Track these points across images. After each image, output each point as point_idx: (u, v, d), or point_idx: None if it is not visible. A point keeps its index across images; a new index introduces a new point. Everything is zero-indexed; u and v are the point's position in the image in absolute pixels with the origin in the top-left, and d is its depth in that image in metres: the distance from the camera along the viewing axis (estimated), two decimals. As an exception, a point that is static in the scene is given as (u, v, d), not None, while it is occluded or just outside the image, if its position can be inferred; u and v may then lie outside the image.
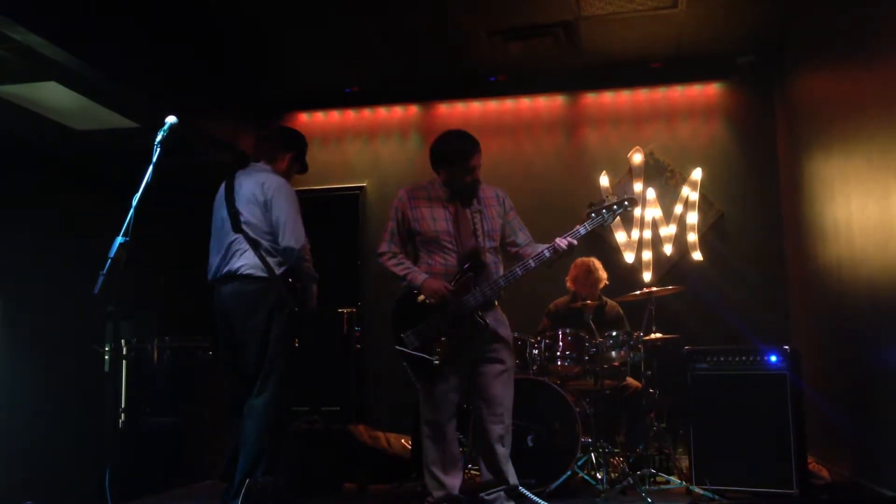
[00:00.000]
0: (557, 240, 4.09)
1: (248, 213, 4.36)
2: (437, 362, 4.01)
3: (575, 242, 4.10)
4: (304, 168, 4.78)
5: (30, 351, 6.10)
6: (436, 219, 4.18)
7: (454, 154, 4.20)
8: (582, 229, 4.13)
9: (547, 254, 4.08)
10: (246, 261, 4.31)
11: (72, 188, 6.75)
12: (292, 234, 4.28)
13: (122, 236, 3.61)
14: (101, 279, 3.49)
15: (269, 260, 4.31)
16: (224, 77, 7.13)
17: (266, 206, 4.34)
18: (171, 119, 3.86)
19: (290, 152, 4.65)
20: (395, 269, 4.18)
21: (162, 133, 3.84)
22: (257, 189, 4.38)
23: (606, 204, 4.23)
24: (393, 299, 4.27)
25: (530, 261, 4.10)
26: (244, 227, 4.34)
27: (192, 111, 6.58)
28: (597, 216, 4.20)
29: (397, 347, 4.13)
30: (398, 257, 4.22)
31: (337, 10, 6.02)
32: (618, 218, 6.84)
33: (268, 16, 6.11)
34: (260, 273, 4.29)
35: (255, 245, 4.31)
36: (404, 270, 4.16)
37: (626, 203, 4.26)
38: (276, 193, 4.36)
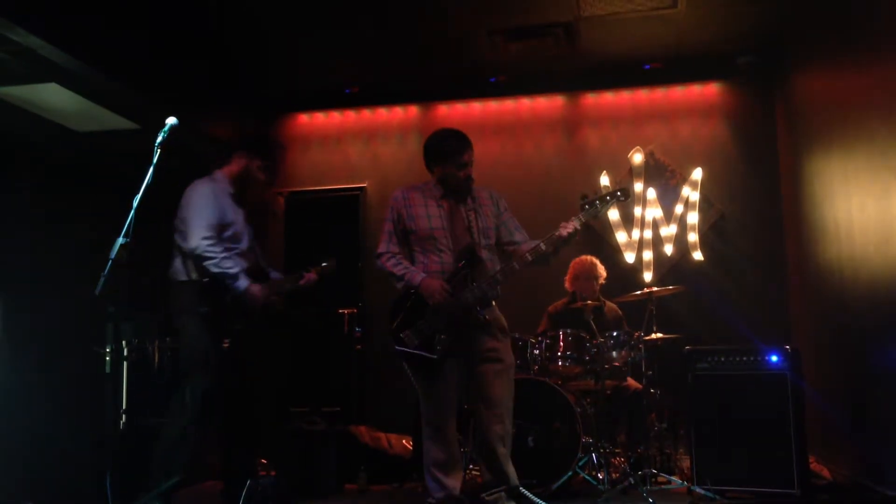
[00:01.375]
0: (561, 226, 4.06)
1: (177, 218, 4.45)
2: (436, 358, 4.01)
3: (578, 227, 4.08)
4: (269, 172, 4.75)
5: (30, 352, 6.10)
6: (430, 216, 4.20)
7: (445, 151, 4.23)
8: (576, 221, 4.14)
9: (543, 246, 4.06)
10: (172, 266, 4.43)
11: (72, 189, 6.74)
12: (189, 235, 4.31)
13: (123, 237, 3.62)
14: (102, 280, 3.50)
15: (188, 262, 4.37)
16: (224, 78, 7.12)
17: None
18: (171, 120, 3.87)
19: (239, 150, 4.65)
20: (393, 269, 4.19)
21: (162, 134, 3.85)
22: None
23: (599, 195, 4.24)
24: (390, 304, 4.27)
25: (527, 254, 4.09)
26: (175, 233, 4.44)
27: (192, 112, 6.58)
28: (590, 208, 4.20)
29: (396, 347, 4.13)
30: (396, 257, 4.23)
31: (337, 11, 6.02)
32: (618, 218, 7.01)
33: (268, 16, 6.11)
34: (180, 277, 4.38)
35: (178, 249, 4.41)
36: (402, 270, 4.16)
37: (618, 194, 4.25)
38: (185, 195, 4.44)
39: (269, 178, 4.85)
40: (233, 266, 4.31)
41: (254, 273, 4.50)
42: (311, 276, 4.74)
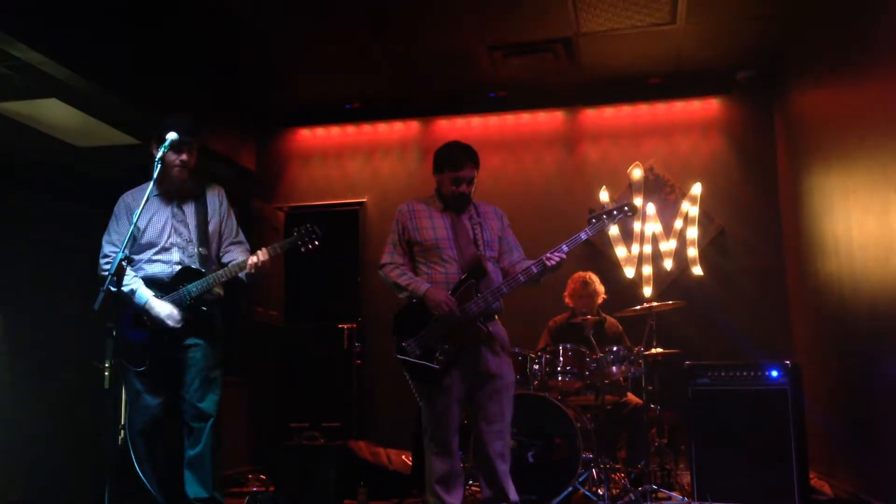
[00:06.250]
0: (547, 255, 4.07)
1: None
2: (437, 367, 4.00)
3: (563, 257, 4.07)
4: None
5: (30, 367, 6.09)
6: (435, 227, 4.19)
7: (445, 161, 4.23)
8: (583, 235, 4.15)
9: (534, 269, 4.07)
10: None
11: (72, 204, 6.76)
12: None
13: (123, 252, 3.62)
14: (101, 295, 3.50)
15: None
16: (225, 93, 7.15)
17: None
18: (171, 136, 3.89)
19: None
20: (397, 280, 4.16)
21: (163, 149, 3.87)
22: None
23: (606, 210, 4.25)
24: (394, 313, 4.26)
25: (520, 275, 4.09)
26: None
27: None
28: (597, 222, 4.21)
29: (398, 356, 4.11)
30: (401, 268, 4.20)
31: (338, 26, 6.05)
32: (618, 233, 7.01)
33: (270, 32, 6.14)
34: None
35: None
36: (407, 280, 4.14)
37: (625, 208, 4.26)
38: None
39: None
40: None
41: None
42: None
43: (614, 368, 5.31)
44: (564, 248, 4.07)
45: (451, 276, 4.13)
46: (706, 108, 7.23)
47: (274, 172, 7.91)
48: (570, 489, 4.93)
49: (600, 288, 6.04)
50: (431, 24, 6.07)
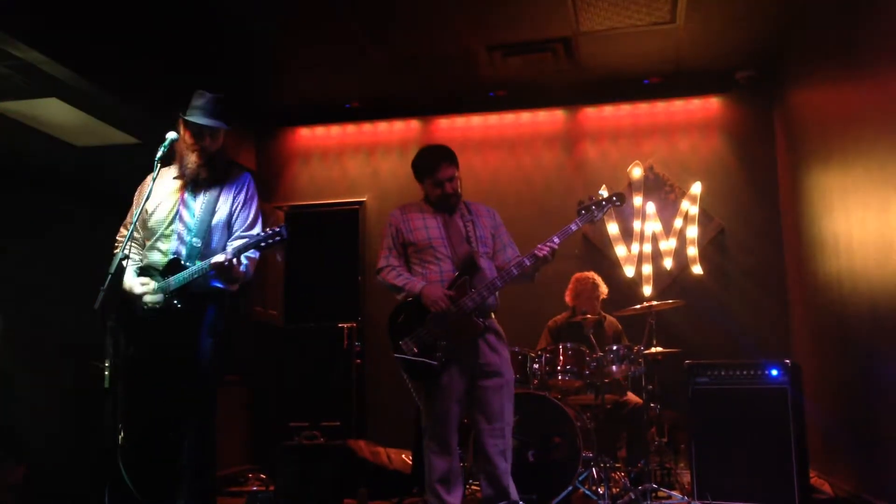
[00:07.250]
0: (538, 246, 4.07)
1: None
2: (436, 364, 4.00)
3: (555, 246, 4.07)
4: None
5: (30, 367, 6.10)
6: (428, 227, 4.22)
7: (422, 168, 4.26)
8: (573, 226, 4.16)
9: (527, 262, 4.07)
10: None
11: (72, 204, 6.77)
12: None
13: (122, 252, 3.62)
14: (101, 294, 3.50)
15: None
16: (225, 92, 7.12)
17: None
18: (171, 135, 3.89)
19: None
20: (394, 281, 4.19)
21: (163, 149, 3.86)
22: None
23: (595, 200, 4.25)
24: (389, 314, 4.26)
25: (513, 268, 4.08)
26: None
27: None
28: (586, 213, 4.22)
29: (395, 355, 4.11)
30: (397, 270, 4.23)
31: (338, 26, 6.05)
32: (618, 232, 7.01)
33: (270, 31, 6.14)
34: None
35: None
36: (403, 281, 4.16)
37: (614, 199, 4.27)
38: None
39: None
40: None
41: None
42: None
43: (614, 367, 5.31)
44: (556, 239, 4.09)
45: (445, 273, 4.15)
46: (706, 107, 7.23)
47: (274, 172, 7.91)
48: (571, 488, 4.93)
49: (604, 288, 6.06)
50: (431, 24, 6.06)
